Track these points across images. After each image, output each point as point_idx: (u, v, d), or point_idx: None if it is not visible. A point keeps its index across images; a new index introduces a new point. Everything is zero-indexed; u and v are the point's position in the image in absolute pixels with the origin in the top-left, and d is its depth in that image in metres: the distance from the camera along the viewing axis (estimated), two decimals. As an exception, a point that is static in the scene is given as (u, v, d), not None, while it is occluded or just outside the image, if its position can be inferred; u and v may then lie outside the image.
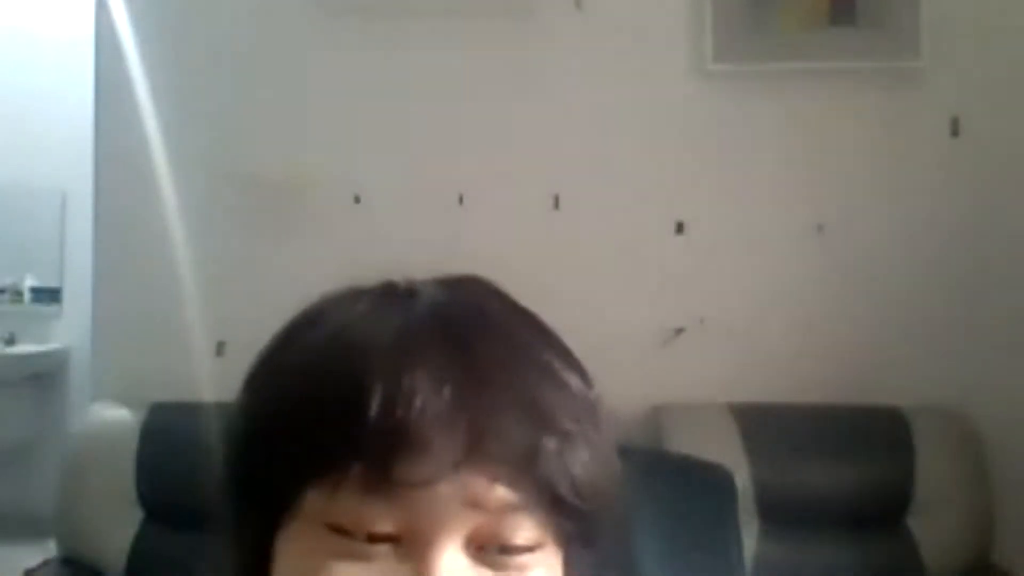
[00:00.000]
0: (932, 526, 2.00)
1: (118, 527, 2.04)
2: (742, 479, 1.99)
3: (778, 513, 1.98)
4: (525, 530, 0.49)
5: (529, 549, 0.50)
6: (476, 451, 0.47)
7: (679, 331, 2.27)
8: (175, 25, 2.33)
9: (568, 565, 0.52)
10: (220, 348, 2.22)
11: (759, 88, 2.27)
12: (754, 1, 2.24)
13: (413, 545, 0.48)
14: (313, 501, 0.49)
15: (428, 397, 0.47)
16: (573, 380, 0.53)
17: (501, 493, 0.48)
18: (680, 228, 2.28)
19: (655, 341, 2.27)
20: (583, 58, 2.29)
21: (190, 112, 2.30)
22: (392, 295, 0.55)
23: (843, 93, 2.26)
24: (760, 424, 2.07)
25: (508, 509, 0.48)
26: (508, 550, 0.49)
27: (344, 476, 0.47)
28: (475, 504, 0.48)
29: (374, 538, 0.48)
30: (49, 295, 3.82)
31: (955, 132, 2.23)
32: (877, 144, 2.26)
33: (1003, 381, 2.20)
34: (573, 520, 0.51)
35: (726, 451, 1.96)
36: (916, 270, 2.24)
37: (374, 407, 0.47)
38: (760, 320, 2.25)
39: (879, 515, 2.02)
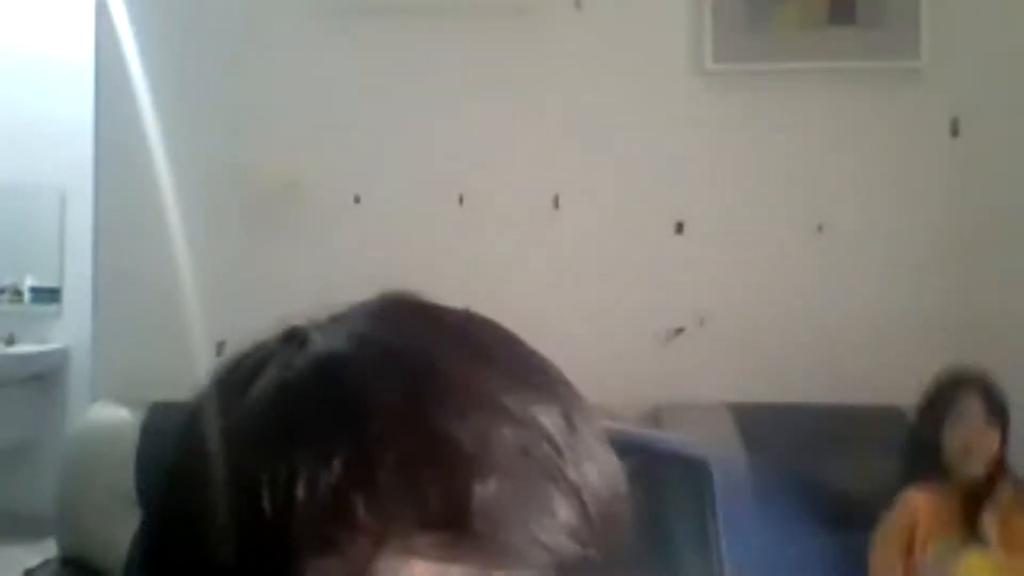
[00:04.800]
0: (932, 526, 1.99)
1: (118, 527, 2.04)
2: (741, 479, 1.99)
3: (777, 512, 1.98)
4: None
5: None
6: (388, 528, 0.35)
7: (679, 331, 2.26)
8: (175, 25, 2.33)
9: None
10: (220, 348, 2.21)
11: (759, 88, 2.28)
12: (753, 1, 2.24)
13: None
14: None
15: (311, 480, 0.36)
16: (515, 403, 0.39)
17: (435, 569, 0.36)
18: (680, 228, 2.28)
19: (655, 341, 2.27)
20: (583, 58, 2.29)
21: (190, 112, 2.30)
22: (281, 348, 0.42)
23: (843, 93, 2.27)
24: (760, 424, 2.07)
25: None
26: None
27: None
28: None
29: None
30: (49, 295, 3.81)
31: (955, 132, 2.23)
32: (877, 144, 2.26)
33: (1002, 381, 2.20)
34: (568, 564, 0.38)
35: (726, 451, 1.96)
36: (916, 270, 2.24)
37: (249, 513, 0.36)
38: (760, 320, 2.25)
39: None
